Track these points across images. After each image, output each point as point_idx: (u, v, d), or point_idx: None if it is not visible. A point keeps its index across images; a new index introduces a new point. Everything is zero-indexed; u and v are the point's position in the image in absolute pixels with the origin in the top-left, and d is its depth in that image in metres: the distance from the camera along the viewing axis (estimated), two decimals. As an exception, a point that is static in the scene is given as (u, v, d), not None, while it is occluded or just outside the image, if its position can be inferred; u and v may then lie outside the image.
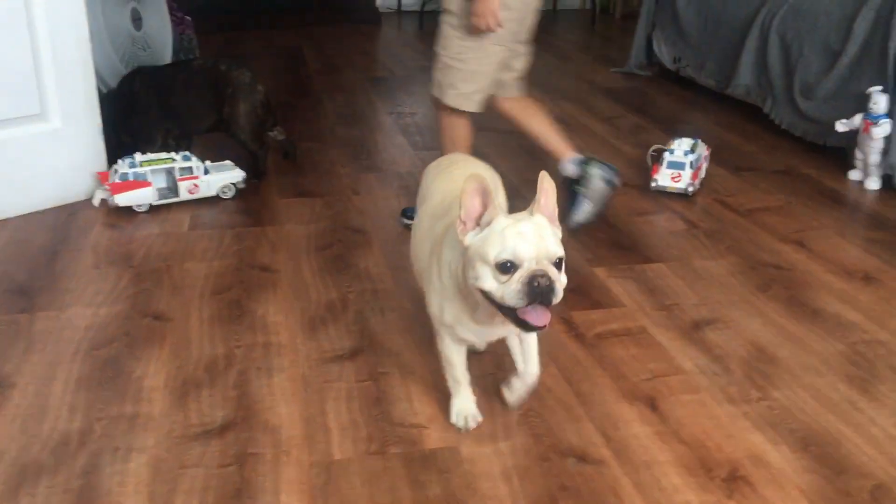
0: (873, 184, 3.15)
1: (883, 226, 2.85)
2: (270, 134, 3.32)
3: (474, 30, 2.44)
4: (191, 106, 3.17)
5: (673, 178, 3.06)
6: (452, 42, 2.50)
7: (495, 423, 1.77)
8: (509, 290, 1.41)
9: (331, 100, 4.48)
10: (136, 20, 3.93)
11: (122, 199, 2.82)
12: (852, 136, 3.19)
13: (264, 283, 2.39)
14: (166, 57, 4.14)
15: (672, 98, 4.55)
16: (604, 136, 3.87)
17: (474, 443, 1.71)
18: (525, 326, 1.46)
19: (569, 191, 2.75)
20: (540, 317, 1.44)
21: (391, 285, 2.39)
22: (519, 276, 1.40)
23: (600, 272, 2.49)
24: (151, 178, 2.85)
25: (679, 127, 3.93)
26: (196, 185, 2.93)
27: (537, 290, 1.40)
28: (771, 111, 3.80)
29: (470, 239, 1.48)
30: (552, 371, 1.96)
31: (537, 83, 4.88)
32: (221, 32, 5.99)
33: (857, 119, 3.13)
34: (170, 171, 2.90)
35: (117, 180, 2.82)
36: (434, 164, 2.04)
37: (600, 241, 2.73)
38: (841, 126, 3.19)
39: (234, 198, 3.00)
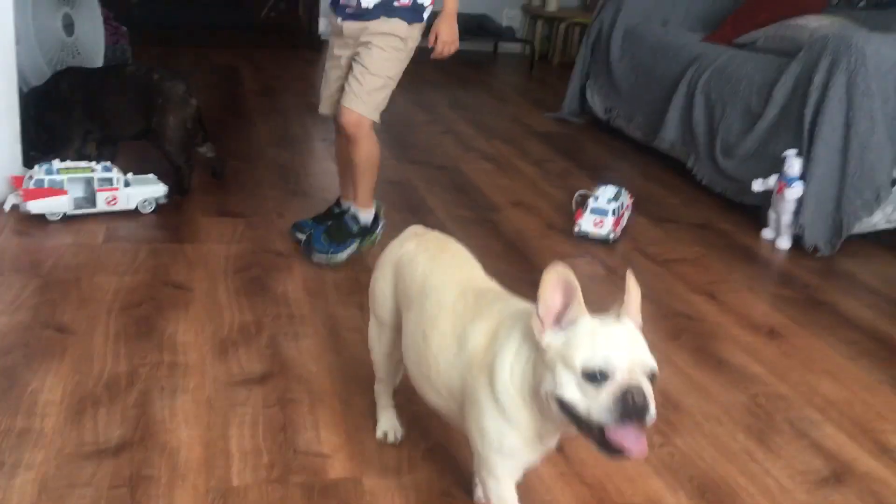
0: (784, 243, 3.27)
1: (790, 284, 2.96)
2: (200, 150, 3.28)
3: (408, 56, 2.55)
4: (118, 111, 3.11)
5: (595, 224, 3.12)
6: (395, 65, 2.52)
7: (401, 456, 1.76)
8: (597, 404, 1.19)
9: (265, 121, 4.44)
10: (68, 26, 3.84)
11: (35, 207, 2.72)
12: (767, 196, 3.32)
13: (177, 301, 2.33)
14: (97, 65, 4.05)
15: (602, 146, 4.66)
16: (533, 178, 3.93)
17: (378, 475, 1.69)
18: (609, 450, 1.21)
19: (343, 226, 2.70)
20: (636, 441, 1.20)
21: (308, 311, 2.36)
22: (611, 389, 1.18)
23: (518, 311, 2.51)
24: (68, 186, 2.77)
25: (606, 174, 4.03)
26: (115, 198, 2.85)
27: (631, 407, 1.17)
28: (694, 167, 3.93)
29: (549, 339, 1.25)
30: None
31: (475, 122, 4.97)
32: (157, 45, 5.90)
33: (773, 180, 3.26)
34: (88, 181, 2.82)
35: (32, 186, 2.73)
36: (410, 250, 1.61)
37: (521, 280, 2.75)
38: (757, 186, 3.32)
39: (154, 212, 2.94)
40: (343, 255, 2.65)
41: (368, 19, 2.45)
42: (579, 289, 1.26)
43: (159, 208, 2.96)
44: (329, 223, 2.71)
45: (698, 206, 3.72)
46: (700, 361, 2.31)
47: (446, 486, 1.68)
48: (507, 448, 1.35)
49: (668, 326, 2.51)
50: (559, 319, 1.26)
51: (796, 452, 1.93)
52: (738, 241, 3.32)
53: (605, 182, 3.36)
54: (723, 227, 3.46)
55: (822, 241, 3.19)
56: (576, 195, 3.32)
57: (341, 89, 2.55)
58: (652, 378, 1.22)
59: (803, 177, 3.19)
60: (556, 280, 1.27)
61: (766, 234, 3.36)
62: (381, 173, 2.73)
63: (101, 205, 2.84)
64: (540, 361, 1.26)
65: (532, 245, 3.08)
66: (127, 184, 2.88)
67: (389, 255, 1.66)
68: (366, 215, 2.71)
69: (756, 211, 3.47)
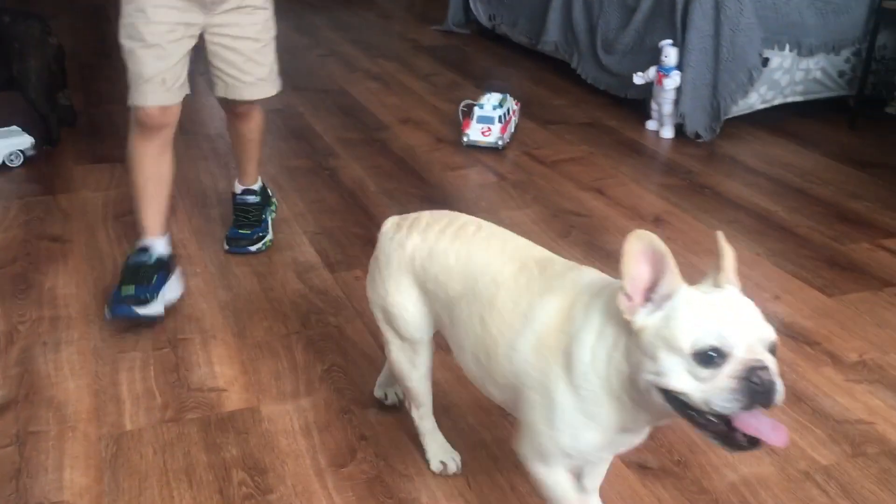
0: (668, 133, 3.35)
1: (674, 172, 3.04)
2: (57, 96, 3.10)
3: None
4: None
5: (483, 132, 3.13)
6: (272, 17, 2.05)
7: (298, 380, 1.76)
8: (717, 390, 0.99)
9: (137, 61, 4.24)
10: None
11: None
12: (649, 89, 3.38)
13: (54, 254, 2.24)
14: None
15: (488, 55, 4.63)
16: (421, 93, 3.89)
17: (275, 401, 1.70)
18: (737, 444, 1.02)
19: (249, 208, 2.36)
20: (773, 428, 1.01)
21: (195, 250, 2.31)
22: (731, 370, 0.99)
23: (410, 226, 2.52)
24: (-77, 146, 2.60)
25: (493, 82, 4.01)
26: (-23, 154, 2.70)
27: (759, 388, 0.98)
28: (578, 66, 3.95)
29: (643, 319, 1.04)
30: (357, 326, 1.97)
31: (360, 42, 4.85)
32: (14, -11, 5.51)
33: (652, 72, 3.31)
34: (-55, 139, 2.66)
35: None
36: (418, 244, 1.34)
37: (412, 196, 2.76)
38: (638, 79, 3.36)
39: (22, 166, 2.79)
40: (269, 231, 2.37)
41: None
42: (670, 255, 1.05)
43: (28, 161, 2.81)
44: (237, 218, 2.35)
45: (584, 105, 3.76)
46: (590, 254, 2.37)
47: (345, 403, 1.70)
48: (583, 447, 1.15)
49: (558, 225, 2.56)
50: (650, 294, 1.05)
51: (681, 330, 2.01)
52: (624, 136, 3.38)
53: (491, 90, 3.35)
54: (609, 124, 3.52)
55: (703, 127, 3.28)
56: (461, 105, 3.30)
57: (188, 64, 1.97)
58: (772, 350, 1.02)
59: (680, 66, 3.24)
60: (641, 249, 1.05)
61: (651, 125, 3.43)
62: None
63: (-37, 163, 2.68)
64: (634, 346, 1.06)
65: (422, 160, 3.06)
66: (-12, 138, 2.72)
67: (396, 265, 1.36)
68: (259, 184, 2.40)
69: (640, 105, 3.53)
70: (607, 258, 2.35)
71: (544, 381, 1.14)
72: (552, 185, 2.87)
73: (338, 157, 3.06)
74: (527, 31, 4.38)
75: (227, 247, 2.30)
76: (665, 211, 2.69)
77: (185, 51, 1.93)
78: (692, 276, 1.05)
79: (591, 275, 1.20)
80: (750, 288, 0.98)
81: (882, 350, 1.92)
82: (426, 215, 1.40)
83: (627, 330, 1.06)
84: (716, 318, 1.01)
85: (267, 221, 2.39)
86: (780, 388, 1.00)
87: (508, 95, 3.32)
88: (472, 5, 4.92)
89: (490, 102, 3.18)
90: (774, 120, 3.49)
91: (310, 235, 2.43)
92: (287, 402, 1.69)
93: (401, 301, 1.37)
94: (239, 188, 2.36)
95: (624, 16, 3.58)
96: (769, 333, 1.03)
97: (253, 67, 2.02)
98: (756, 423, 1.01)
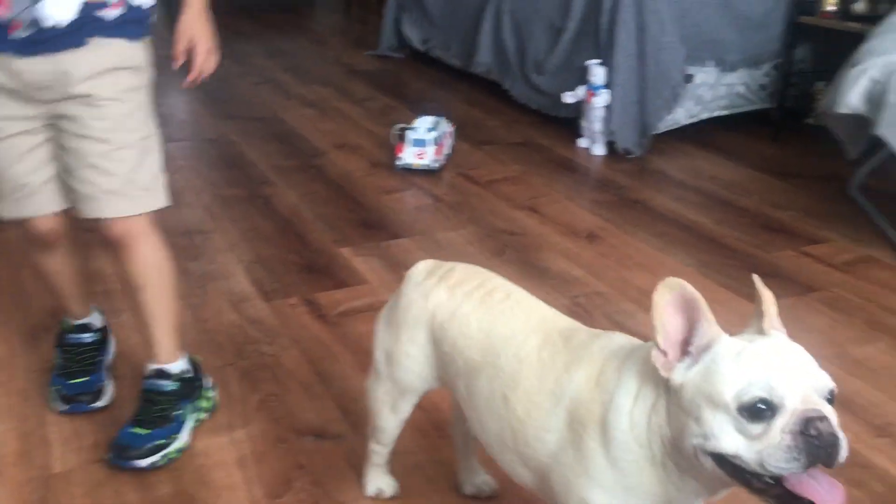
0: (599, 150, 3.42)
1: (606, 188, 3.11)
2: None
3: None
4: None
5: (417, 155, 3.15)
6: (145, 114, 1.53)
7: (232, 412, 1.74)
8: (771, 447, 0.88)
9: None
10: None
11: None
12: (579, 107, 3.45)
13: (-22, 294, 2.19)
14: None
15: (422, 78, 4.68)
16: (356, 118, 3.91)
17: (209, 435, 1.67)
18: None
19: (154, 397, 1.65)
20: (830, 489, 0.90)
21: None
22: (785, 424, 0.88)
23: (346, 252, 2.52)
24: None
25: (427, 105, 4.05)
26: None
27: (818, 442, 0.87)
28: (510, 87, 4.01)
29: (682, 375, 0.96)
30: (293, 354, 1.96)
31: (294, 68, 4.85)
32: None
33: (581, 90, 3.39)
34: None
35: None
36: (444, 301, 1.25)
37: (348, 221, 2.76)
38: (568, 98, 3.44)
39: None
40: (183, 436, 1.62)
41: (67, 49, 1.39)
42: (703, 302, 0.95)
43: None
44: (138, 408, 1.65)
45: (517, 125, 3.81)
46: (525, 273, 2.40)
47: (281, 432, 1.68)
48: None
49: (493, 244, 2.58)
50: (687, 348, 0.97)
51: (615, 343, 2.05)
52: (556, 155, 3.44)
53: (425, 113, 3.38)
54: (542, 143, 3.57)
55: (632, 143, 3.36)
56: (394, 129, 3.33)
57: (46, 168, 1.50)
58: (831, 399, 0.91)
59: (608, 84, 3.32)
60: (672, 298, 0.96)
61: (582, 143, 3.50)
62: (195, 130, 2.48)
63: None
64: (675, 407, 0.96)
65: (358, 184, 3.07)
66: None
67: (415, 315, 1.28)
68: (179, 364, 1.67)
69: (571, 123, 3.60)
70: (541, 276, 2.38)
71: (580, 458, 1.04)
72: (487, 205, 2.91)
73: (273, 185, 3.05)
74: (459, 53, 4.44)
75: (108, 454, 1.57)
76: (598, 227, 2.74)
77: (25, 150, 1.46)
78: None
79: (619, 339, 1.11)
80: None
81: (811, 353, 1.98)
82: (460, 269, 1.31)
83: (666, 390, 0.97)
84: (761, 366, 0.90)
85: (183, 423, 1.64)
86: (843, 442, 0.88)
87: (443, 118, 3.35)
88: (405, 29, 4.96)
89: (423, 125, 3.21)
90: (701, 134, 3.60)
91: (245, 265, 2.41)
92: (222, 435, 1.67)
93: (411, 352, 1.30)
94: (148, 367, 1.66)
95: (552, 37, 3.66)
96: (825, 381, 0.91)
97: (94, 176, 1.46)
98: (810, 483, 0.90)
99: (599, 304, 2.23)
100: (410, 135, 3.18)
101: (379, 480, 1.52)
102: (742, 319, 1.02)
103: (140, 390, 1.66)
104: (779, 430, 0.87)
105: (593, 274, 2.40)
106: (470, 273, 1.30)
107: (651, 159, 3.37)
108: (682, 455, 0.96)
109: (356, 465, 1.58)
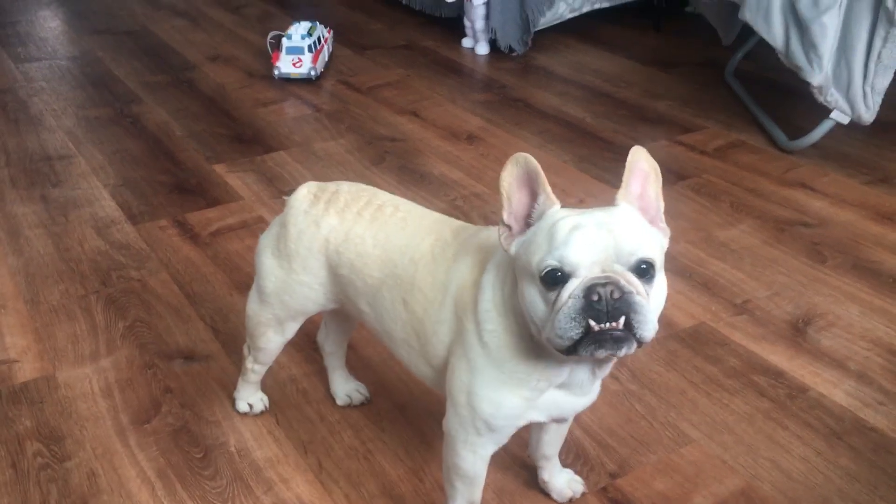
0: (482, 49, 3.36)
1: (489, 88, 3.07)
2: None
3: None
4: None
5: (294, 63, 3.03)
6: None
7: (98, 341, 1.69)
8: (558, 311, 0.90)
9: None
10: None
11: None
12: (461, 6, 3.36)
13: None
14: None
15: (303, -18, 4.48)
16: (231, 27, 3.72)
17: (73, 366, 1.62)
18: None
19: None
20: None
21: (-19, 217, 2.15)
22: (572, 291, 0.89)
23: (220, 168, 2.43)
24: None
25: (307, 10, 3.89)
26: None
27: (599, 307, 0.88)
28: (391, -13, 3.88)
29: (516, 247, 0.98)
30: (162, 277, 1.90)
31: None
32: None
33: (462, -12, 3.29)
34: None
35: None
36: (335, 225, 1.23)
37: (221, 137, 2.65)
38: (448, -4, 3.34)
39: None
40: None
41: None
42: (543, 175, 0.96)
43: None
44: None
45: (401, 28, 3.71)
46: (404, 179, 2.37)
47: (149, 358, 1.64)
48: (506, 412, 1.04)
49: (373, 152, 2.53)
50: (528, 221, 0.98)
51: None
52: (440, 56, 3.37)
53: (301, 19, 3.24)
54: (425, 45, 3.49)
55: (515, 40, 3.31)
56: (268, 37, 3.19)
57: None
58: (645, 269, 0.91)
59: (488, -20, 3.24)
60: (516, 173, 0.97)
61: (466, 43, 3.43)
62: (55, 48, 2.28)
63: None
64: (517, 278, 0.98)
65: (232, 98, 2.95)
66: None
67: (307, 244, 1.24)
68: None
69: (455, 23, 3.52)
70: (420, 181, 2.36)
71: (461, 343, 1.05)
72: (368, 112, 2.84)
73: (141, 103, 2.90)
74: (339, -46, 4.25)
75: None
76: (479, 128, 2.71)
77: None
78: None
79: None
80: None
81: (673, 240, 2.03)
82: (345, 191, 1.26)
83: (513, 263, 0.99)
84: (563, 237, 0.91)
85: None
86: (638, 303, 0.88)
87: (318, 23, 3.22)
88: (282, -70, 4.71)
89: (298, 32, 3.08)
90: (585, 28, 3.57)
91: (111, 188, 2.31)
92: (86, 366, 1.62)
93: (305, 280, 1.26)
94: None
95: (429, -68, 3.53)
96: (634, 249, 0.91)
97: None
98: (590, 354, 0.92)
99: (477, 205, 2.23)
100: (285, 42, 3.05)
101: (250, 396, 1.50)
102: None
103: None
104: (567, 297, 0.89)
105: (472, 175, 2.39)
106: (356, 192, 1.26)
107: (535, 56, 3.33)
108: (528, 329, 0.97)
109: (227, 386, 1.56)
